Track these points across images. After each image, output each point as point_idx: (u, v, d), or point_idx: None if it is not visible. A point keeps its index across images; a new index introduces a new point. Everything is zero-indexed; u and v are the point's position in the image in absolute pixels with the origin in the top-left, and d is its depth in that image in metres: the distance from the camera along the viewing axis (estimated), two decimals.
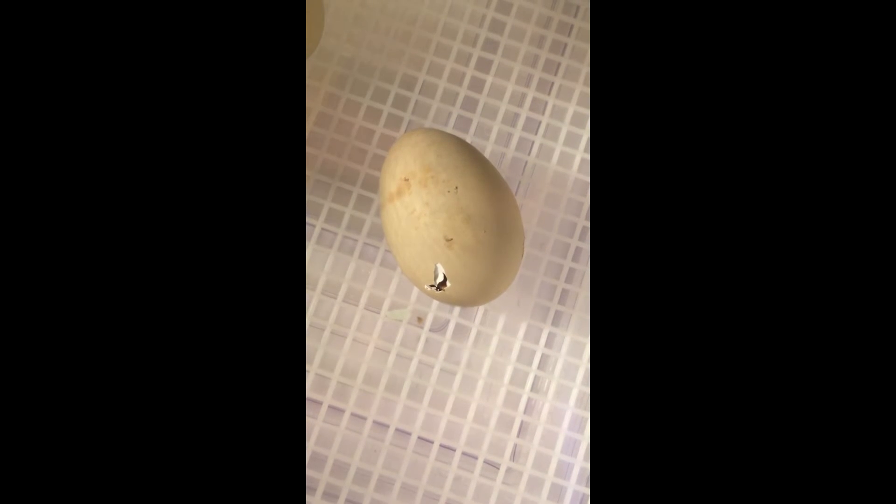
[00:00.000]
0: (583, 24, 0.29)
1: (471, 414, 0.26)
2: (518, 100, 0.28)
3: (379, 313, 0.27)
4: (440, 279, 0.22)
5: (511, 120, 0.28)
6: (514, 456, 0.26)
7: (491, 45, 0.29)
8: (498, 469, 0.26)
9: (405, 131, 0.28)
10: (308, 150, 0.27)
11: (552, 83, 0.28)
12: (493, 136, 0.28)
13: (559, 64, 0.29)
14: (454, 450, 0.26)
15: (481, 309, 0.27)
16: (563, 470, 0.26)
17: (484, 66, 0.28)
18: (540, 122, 0.28)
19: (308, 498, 0.25)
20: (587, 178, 0.28)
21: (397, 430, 0.26)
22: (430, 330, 0.27)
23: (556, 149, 0.28)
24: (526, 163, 0.28)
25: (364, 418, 0.26)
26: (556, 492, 0.26)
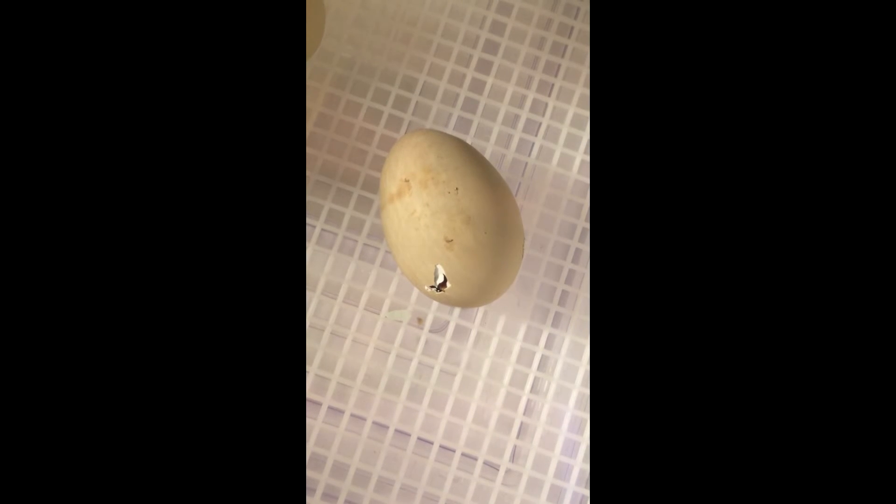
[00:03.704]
0: (583, 26, 0.29)
1: (470, 415, 0.26)
2: (518, 101, 0.28)
3: (379, 314, 0.27)
4: (440, 280, 0.22)
5: (511, 121, 0.28)
6: (513, 457, 0.26)
7: (491, 47, 0.29)
8: (497, 470, 0.26)
9: (405, 132, 0.28)
10: (308, 150, 0.27)
11: (552, 85, 0.28)
12: (494, 137, 0.28)
13: (559, 66, 0.29)
14: (454, 451, 0.26)
15: (481, 310, 0.27)
16: (563, 471, 0.26)
17: (484, 67, 0.28)
18: (540, 124, 0.28)
19: (308, 499, 0.25)
20: (587, 180, 0.28)
21: (397, 430, 0.26)
22: (430, 331, 0.27)
23: (557, 150, 0.28)
24: (526, 164, 0.28)
25: (364, 419, 0.26)
26: (556, 493, 0.26)
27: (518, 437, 0.26)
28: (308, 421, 0.26)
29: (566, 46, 0.29)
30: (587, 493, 0.26)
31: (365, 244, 0.27)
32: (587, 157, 0.28)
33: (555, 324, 0.27)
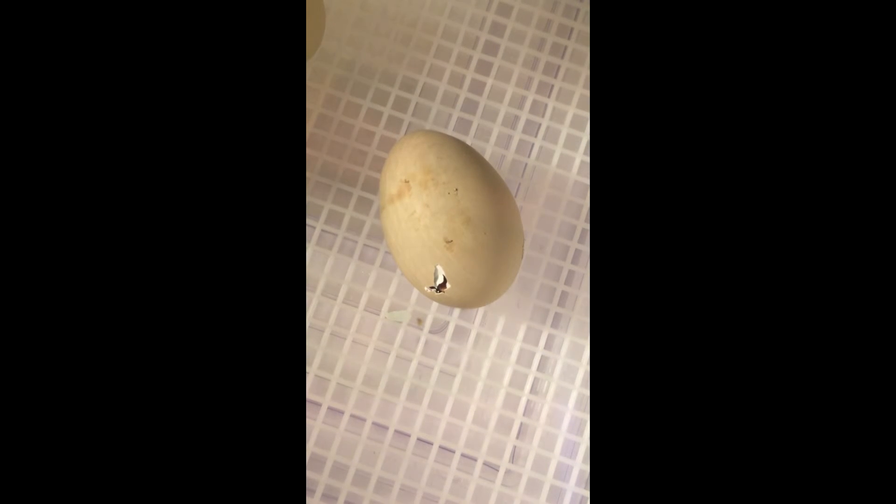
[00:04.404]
0: (583, 27, 0.29)
1: (470, 416, 0.26)
2: (518, 102, 0.28)
3: (378, 315, 0.27)
4: (440, 281, 0.22)
5: (511, 122, 0.28)
6: (513, 458, 0.26)
7: (491, 48, 0.29)
8: (497, 471, 0.26)
9: (405, 133, 0.28)
10: (308, 151, 0.27)
11: (552, 86, 0.28)
12: (493, 138, 0.28)
13: (559, 67, 0.29)
14: (453, 451, 0.26)
15: (481, 311, 0.27)
16: (563, 472, 0.26)
17: (484, 68, 0.28)
18: (540, 125, 0.28)
19: (307, 499, 0.25)
20: (587, 181, 0.28)
21: (396, 431, 0.26)
22: (430, 332, 0.27)
23: (556, 151, 0.28)
24: (526, 165, 0.28)
25: (363, 420, 0.26)
26: (556, 494, 0.26)
27: (518, 437, 0.26)
28: (308, 421, 0.26)
29: (566, 48, 0.29)
30: (587, 493, 0.26)
31: (365, 245, 0.27)
32: (587, 158, 0.28)
33: (554, 324, 0.27)
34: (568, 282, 0.27)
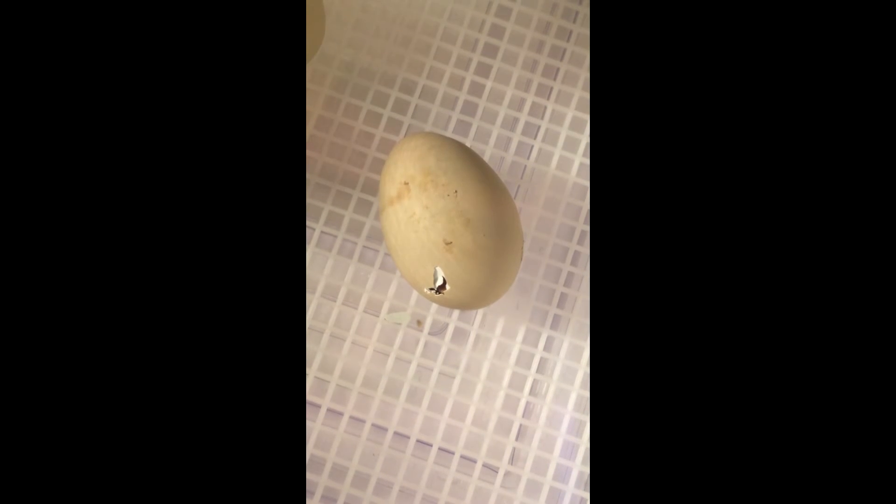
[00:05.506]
0: (582, 30, 0.29)
1: (469, 417, 0.26)
2: (517, 104, 0.28)
3: (378, 316, 0.27)
4: (439, 282, 0.22)
5: (510, 124, 0.28)
6: (512, 459, 0.26)
7: (490, 50, 0.29)
8: (496, 472, 0.26)
9: (405, 135, 0.28)
10: (308, 153, 0.27)
11: (551, 88, 0.29)
12: (493, 140, 0.28)
13: (558, 69, 0.29)
14: (453, 453, 0.26)
15: (480, 312, 0.27)
16: (562, 473, 0.26)
17: (483, 70, 0.28)
18: (539, 127, 0.28)
19: (307, 501, 0.25)
20: (586, 183, 0.28)
21: (396, 433, 0.26)
22: (429, 333, 0.27)
23: (555, 153, 0.28)
24: (525, 167, 0.28)
25: (363, 421, 0.26)
26: (555, 495, 0.26)
27: (517, 439, 0.26)
28: (307, 423, 0.26)
29: (565, 50, 0.29)
30: (587, 495, 0.26)
31: (364, 247, 0.27)
32: (586, 160, 0.28)
33: (554, 326, 0.27)
34: (567, 283, 0.27)
